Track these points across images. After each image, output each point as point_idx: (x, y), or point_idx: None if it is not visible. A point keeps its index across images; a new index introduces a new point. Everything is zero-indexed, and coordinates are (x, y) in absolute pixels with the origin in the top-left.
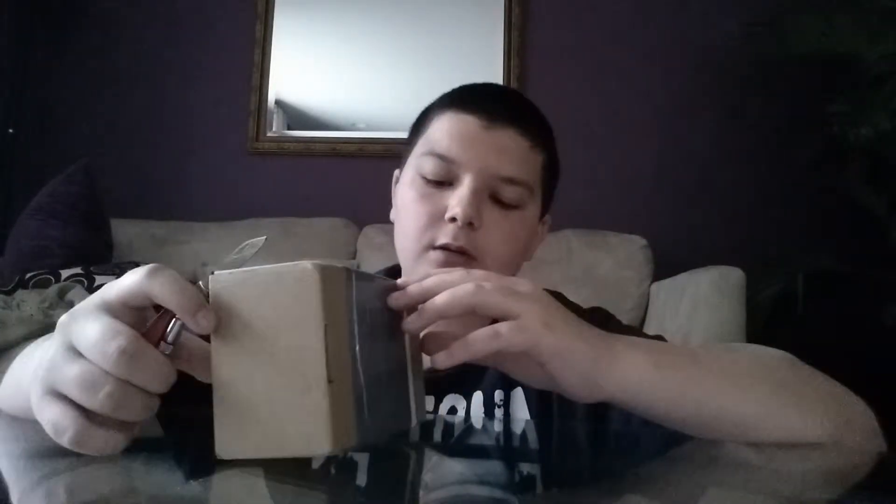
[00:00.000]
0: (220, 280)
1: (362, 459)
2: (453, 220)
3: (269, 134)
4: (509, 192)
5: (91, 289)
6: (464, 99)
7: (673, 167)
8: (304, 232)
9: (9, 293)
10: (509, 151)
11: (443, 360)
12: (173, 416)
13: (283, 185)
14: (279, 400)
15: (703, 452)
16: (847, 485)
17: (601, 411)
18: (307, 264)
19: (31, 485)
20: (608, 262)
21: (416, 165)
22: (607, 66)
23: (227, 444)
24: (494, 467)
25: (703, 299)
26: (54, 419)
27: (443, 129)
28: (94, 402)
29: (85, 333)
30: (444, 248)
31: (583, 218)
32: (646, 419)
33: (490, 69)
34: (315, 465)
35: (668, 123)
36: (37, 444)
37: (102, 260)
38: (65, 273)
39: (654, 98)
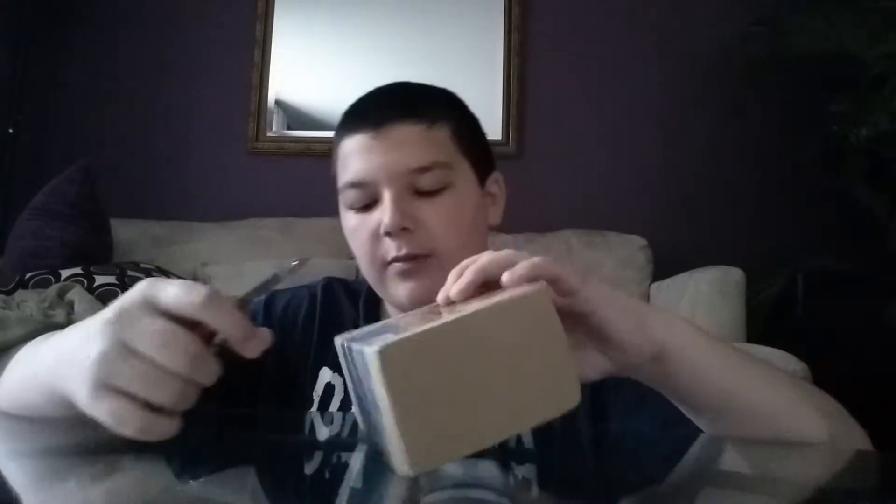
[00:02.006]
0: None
1: (355, 462)
2: (388, 233)
3: (268, 134)
4: (427, 180)
5: (91, 289)
6: (347, 121)
7: (673, 167)
8: (304, 232)
9: (9, 293)
10: (407, 144)
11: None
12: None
13: (283, 185)
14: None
15: (699, 453)
16: (846, 485)
17: (599, 412)
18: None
19: (34, 484)
20: (608, 262)
21: (344, 201)
22: (607, 66)
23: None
24: (490, 469)
25: (703, 299)
26: (117, 412)
27: (345, 159)
28: (159, 398)
29: (144, 333)
30: (395, 260)
31: (583, 218)
32: (670, 396)
33: (490, 69)
34: (308, 470)
35: (668, 123)
36: (39, 444)
37: (102, 260)
38: (65, 273)
39: (654, 98)
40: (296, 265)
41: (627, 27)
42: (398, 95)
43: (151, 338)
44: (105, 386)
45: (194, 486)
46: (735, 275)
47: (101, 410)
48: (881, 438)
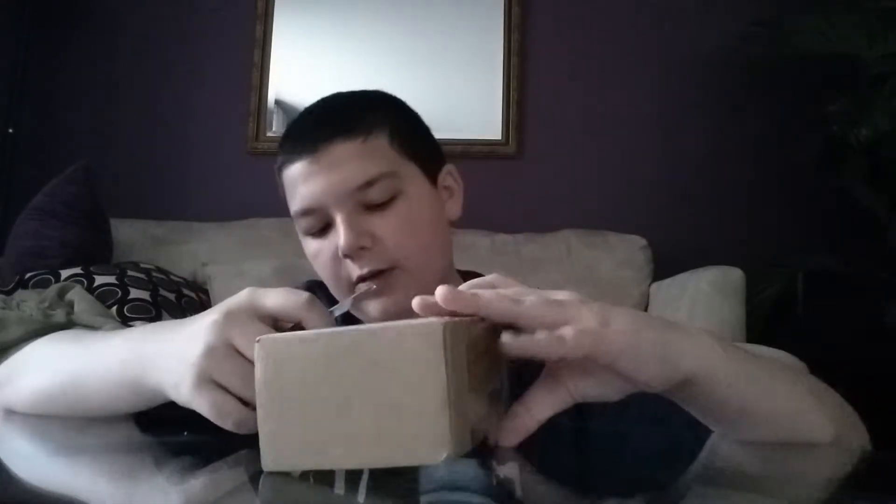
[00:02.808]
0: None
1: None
2: (346, 255)
3: (269, 134)
4: (375, 193)
5: (91, 289)
6: (285, 147)
7: (673, 167)
8: None
9: (9, 293)
10: (344, 161)
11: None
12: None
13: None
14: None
15: (694, 451)
16: (846, 485)
17: (584, 409)
18: None
19: (55, 484)
20: (608, 262)
21: (298, 227)
22: (607, 66)
23: (269, 458)
24: (474, 474)
25: (703, 299)
26: (219, 405)
27: (290, 185)
28: (253, 397)
29: (248, 336)
30: (360, 280)
31: (583, 218)
32: (691, 413)
33: (490, 69)
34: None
35: (668, 123)
36: (59, 443)
37: (102, 260)
38: (65, 273)
39: (654, 98)
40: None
41: (627, 27)
42: (329, 112)
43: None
44: (209, 380)
45: (195, 485)
46: (735, 275)
47: (204, 401)
48: (881, 438)
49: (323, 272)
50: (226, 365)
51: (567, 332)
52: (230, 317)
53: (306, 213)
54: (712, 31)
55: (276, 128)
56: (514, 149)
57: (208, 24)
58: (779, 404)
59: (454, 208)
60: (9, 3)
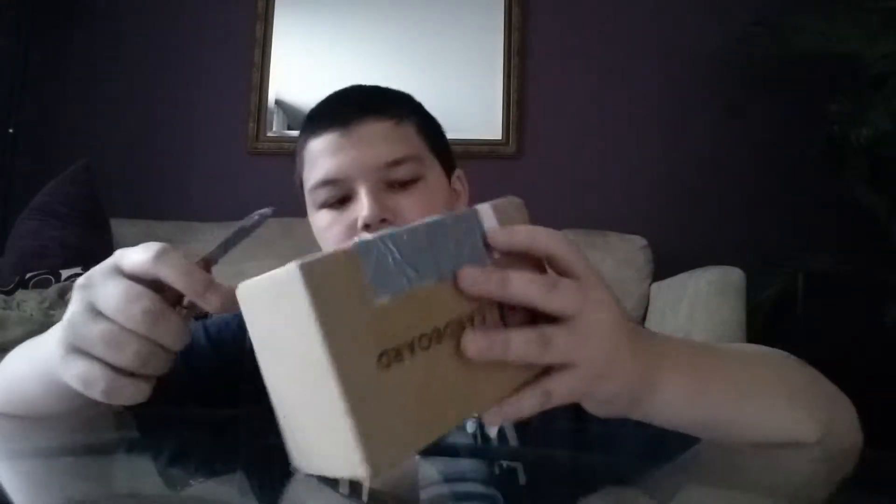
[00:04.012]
0: (242, 289)
1: None
2: (367, 226)
3: (269, 134)
4: (401, 172)
5: None
6: (315, 121)
7: (673, 167)
8: (304, 232)
9: (9, 293)
10: (377, 139)
11: (492, 419)
12: (174, 416)
13: (283, 185)
14: (310, 421)
15: (693, 451)
16: (835, 483)
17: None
18: (292, 265)
19: (30, 484)
20: (608, 262)
21: (314, 200)
22: (607, 66)
23: (294, 459)
24: (475, 465)
25: (703, 299)
26: (83, 374)
27: (313, 158)
28: (121, 360)
29: (107, 295)
30: None
31: (583, 218)
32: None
33: (490, 69)
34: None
35: (668, 123)
36: (35, 443)
37: (102, 260)
38: (65, 273)
39: (654, 98)
40: (260, 216)
41: (627, 27)
42: (361, 95)
43: (112, 299)
44: (75, 349)
45: (193, 488)
46: (735, 275)
47: (70, 374)
48: (881, 438)
49: (331, 241)
50: (88, 329)
51: (553, 386)
52: (92, 279)
53: (327, 183)
54: (712, 30)
55: (276, 128)
56: (514, 149)
57: (208, 24)
58: (750, 419)
59: (459, 209)
60: (9, 2)
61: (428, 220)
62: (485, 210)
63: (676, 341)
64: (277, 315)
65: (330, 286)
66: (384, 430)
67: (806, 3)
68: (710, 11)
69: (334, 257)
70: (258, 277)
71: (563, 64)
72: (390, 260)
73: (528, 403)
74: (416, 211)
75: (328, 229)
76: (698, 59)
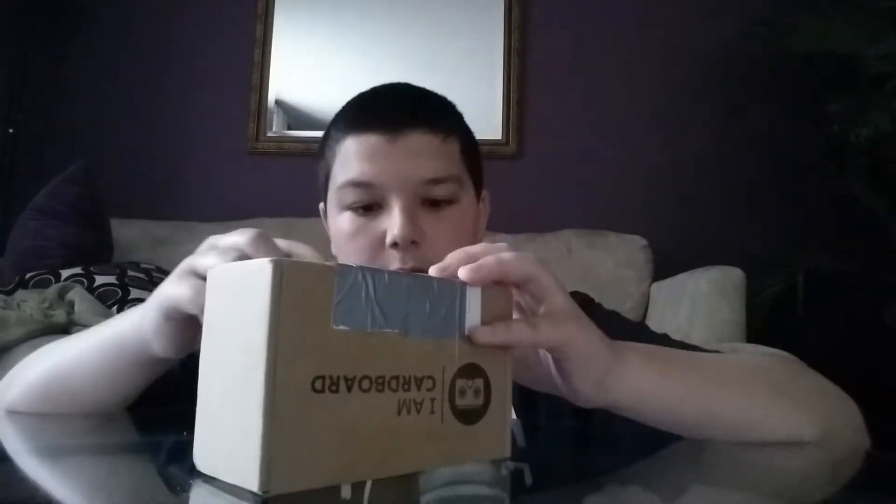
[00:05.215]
0: (214, 272)
1: None
2: (395, 244)
3: (269, 134)
4: (440, 191)
5: (91, 289)
6: (359, 119)
7: (673, 167)
8: (304, 232)
9: (9, 293)
10: (423, 154)
11: (484, 335)
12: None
13: (283, 185)
14: (226, 417)
15: (693, 451)
16: (836, 483)
17: (587, 410)
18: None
19: (47, 481)
20: (608, 262)
21: (339, 199)
22: (607, 66)
23: (195, 454)
24: (482, 467)
25: (703, 299)
26: (196, 286)
27: (350, 157)
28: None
29: (205, 265)
30: None
31: (583, 218)
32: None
33: (490, 69)
34: None
35: (668, 123)
36: (52, 441)
37: (102, 260)
38: (65, 273)
39: (654, 98)
40: None
41: (627, 27)
42: (412, 101)
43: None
44: (184, 274)
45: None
46: (735, 275)
47: (182, 288)
48: (881, 438)
49: (355, 254)
50: (184, 280)
51: (542, 323)
52: (194, 256)
53: (359, 185)
54: (713, 30)
55: (276, 128)
56: (514, 149)
57: (208, 25)
58: (729, 412)
59: (481, 231)
60: (9, 3)
61: (417, 275)
62: (472, 292)
63: (645, 344)
64: (235, 302)
65: (295, 292)
66: (292, 452)
67: (806, 2)
68: (710, 12)
69: (312, 268)
70: (233, 263)
71: (563, 64)
72: (363, 294)
73: (517, 327)
74: (447, 236)
75: (352, 238)
76: (698, 60)
